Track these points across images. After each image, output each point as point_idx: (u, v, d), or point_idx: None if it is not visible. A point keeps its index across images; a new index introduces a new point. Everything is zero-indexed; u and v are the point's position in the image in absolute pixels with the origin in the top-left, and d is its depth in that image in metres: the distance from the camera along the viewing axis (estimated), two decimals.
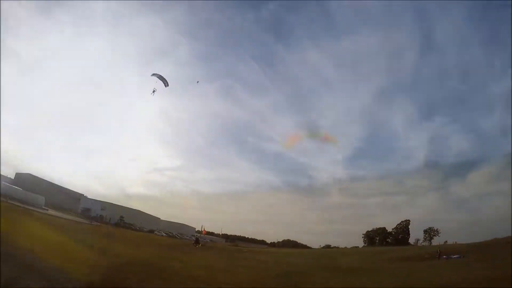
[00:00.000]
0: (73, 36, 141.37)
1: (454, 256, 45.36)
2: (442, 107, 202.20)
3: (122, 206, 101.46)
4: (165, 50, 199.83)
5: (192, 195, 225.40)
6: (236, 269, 20.77)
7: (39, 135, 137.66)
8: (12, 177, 71.54)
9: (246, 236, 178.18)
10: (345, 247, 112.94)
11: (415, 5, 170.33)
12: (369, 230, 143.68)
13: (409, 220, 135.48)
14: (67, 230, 25.14)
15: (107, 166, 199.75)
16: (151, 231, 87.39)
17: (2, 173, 58.16)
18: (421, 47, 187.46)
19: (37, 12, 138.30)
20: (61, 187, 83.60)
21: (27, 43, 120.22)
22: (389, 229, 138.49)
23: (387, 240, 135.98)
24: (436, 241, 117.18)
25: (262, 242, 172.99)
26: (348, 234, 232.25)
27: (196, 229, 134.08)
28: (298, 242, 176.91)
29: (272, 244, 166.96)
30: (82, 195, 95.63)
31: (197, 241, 48.42)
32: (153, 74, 26.61)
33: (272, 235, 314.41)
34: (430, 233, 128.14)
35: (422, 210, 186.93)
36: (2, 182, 44.60)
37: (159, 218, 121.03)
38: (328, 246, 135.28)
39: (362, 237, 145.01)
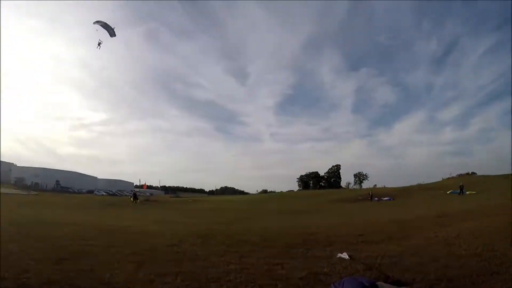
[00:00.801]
0: None
1: (385, 198, 49.84)
2: (370, 60, 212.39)
3: (56, 170, 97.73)
4: None
5: (124, 148, 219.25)
6: (190, 220, 21.33)
7: None
8: None
9: (185, 186, 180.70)
10: (281, 192, 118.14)
11: None
12: (303, 174, 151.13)
13: (339, 165, 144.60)
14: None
15: (29, 128, 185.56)
16: (90, 192, 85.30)
17: None
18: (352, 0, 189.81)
19: None
20: None
21: None
22: (322, 173, 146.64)
23: (321, 183, 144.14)
24: (365, 185, 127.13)
25: (201, 191, 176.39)
26: (282, 179, 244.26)
27: (135, 184, 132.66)
28: (236, 188, 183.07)
29: (211, 192, 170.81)
30: (12, 164, 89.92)
31: (135, 197, 47.80)
32: (96, 22, 22.22)
33: (209, 183, 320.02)
34: (360, 177, 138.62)
35: (351, 155, 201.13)
36: None
37: (96, 177, 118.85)
38: (265, 191, 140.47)
39: (297, 181, 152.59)
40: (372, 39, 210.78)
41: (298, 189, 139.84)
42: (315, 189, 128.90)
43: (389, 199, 48.82)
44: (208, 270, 7.16)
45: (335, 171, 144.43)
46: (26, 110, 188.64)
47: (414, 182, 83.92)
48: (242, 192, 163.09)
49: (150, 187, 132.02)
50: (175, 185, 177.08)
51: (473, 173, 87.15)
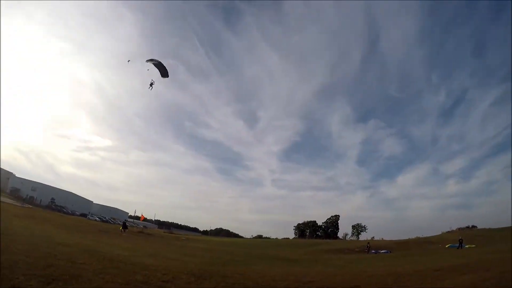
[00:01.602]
0: None
1: (382, 251, 49.19)
2: (378, 111, 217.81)
3: (53, 187, 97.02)
4: (107, 22, 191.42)
5: (124, 177, 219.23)
6: (184, 258, 21.09)
7: None
8: None
9: (179, 223, 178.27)
10: (276, 238, 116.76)
11: (366, 12, 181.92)
12: (300, 222, 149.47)
13: (338, 215, 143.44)
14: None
15: (34, 140, 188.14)
16: (84, 215, 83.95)
17: None
18: (366, 53, 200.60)
19: None
20: None
21: None
22: (319, 223, 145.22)
23: (317, 233, 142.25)
24: (363, 236, 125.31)
25: (196, 230, 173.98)
26: (278, 225, 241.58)
27: (129, 214, 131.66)
28: (230, 231, 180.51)
29: (205, 232, 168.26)
30: (11, 173, 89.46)
31: (124, 226, 47.36)
32: (149, 60, 21.44)
33: (204, 222, 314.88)
34: (358, 228, 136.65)
35: (351, 206, 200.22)
36: None
37: (92, 202, 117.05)
38: (259, 236, 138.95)
39: (294, 229, 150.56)
40: (382, 91, 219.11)
41: (294, 237, 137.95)
42: (311, 238, 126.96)
43: (387, 252, 48.04)
44: None
45: (333, 221, 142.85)
46: (34, 123, 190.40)
47: (413, 235, 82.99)
48: (236, 235, 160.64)
49: (145, 219, 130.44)
50: (170, 221, 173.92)
51: (473, 226, 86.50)
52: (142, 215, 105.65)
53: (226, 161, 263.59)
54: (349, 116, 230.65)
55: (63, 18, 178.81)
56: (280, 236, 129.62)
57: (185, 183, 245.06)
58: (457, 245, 45.77)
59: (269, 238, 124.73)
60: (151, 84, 23.12)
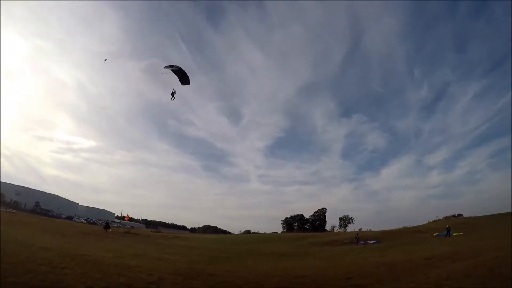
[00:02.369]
0: None
1: (371, 242, 49.65)
2: (362, 106, 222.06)
3: (37, 191, 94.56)
4: (89, 21, 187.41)
5: (109, 178, 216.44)
6: (170, 257, 20.78)
7: None
8: None
9: (167, 222, 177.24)
10: (265, 233, 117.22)
11: (349, 9, 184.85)
12: (288, 216, 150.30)
13: (325, 208, 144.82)
14: None
15: (16, 143, 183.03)
16: (70, 218, 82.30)
17: None
18: (349, 49, 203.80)
19: None
20: None
21: None
22: (307, 216, 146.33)
23: (305, 226, 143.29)
24: (350, 228, 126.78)
25: (183, 228, 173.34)
26: (266, 220, 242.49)
27: (116, 215, 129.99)
28: (219, 227, 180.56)
29: (193, 230, 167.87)
30: None
31: (107, 226, 46.87)
32: (167, 67, 19.43)
33: (192, 220, 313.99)
34: (345, 220, 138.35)
35: (337, 199, 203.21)
36: None
37: (77, 204, 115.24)
38: (248, 232, 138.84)
39: (281, 223, 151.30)
40: (365, 86, 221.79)
41: (282, 231, 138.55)
42: (299, 231, 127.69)
43: (376, 242, 48.53)
44: None
45: (320, 214, 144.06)
46: (14, 125, 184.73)
47: (399, 225, 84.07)
48: (224, 232, 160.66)
49: (131, 219, 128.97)
50: (157, 220, 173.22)
51: (459, 215, 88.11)
52: (127, 215, 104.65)
53: (211, 158, 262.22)
54: (333, 111, 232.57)
55: (44, 16, 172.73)
56: (268, 231, 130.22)
57: (171, 181, 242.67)
58: (445, 233, 46.62)
59: (257, 233, 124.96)
60: (173, 94, 21.60)
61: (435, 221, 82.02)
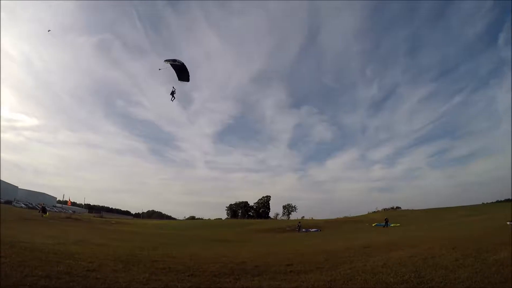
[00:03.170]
0: None
1: (313, 230, 51.08)
2: (312, 99, 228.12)
3: None
4: None
5: (52, 159, 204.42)
6: (112, 243, 19.93)
7: None
8: None
9: (111, 207, 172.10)
10: (209, 219, 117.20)
11: (310, 4, 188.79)
12: (233, 203, 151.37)
13: (269, 196, 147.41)
14: None
15: None
16: (9, 202, 76.94)
17: None
18: (305, 42, 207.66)
19: None
20: None
21: None
22: (251, 203, 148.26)
23: (249, 213, 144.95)
24: (293, 216, 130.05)
25: (127, 213, 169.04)
26: (211, 206, 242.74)
27: (57, 199, 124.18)
28: (163, 213, 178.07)
29: (138, 215, 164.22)
30: None
31: (43, 210, 44.70)
32: (168, 61, 17.63)
33: (137, 205, 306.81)
34: (288, 208, 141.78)
35: (282, 188, 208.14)
36: None
37: (17, 187, 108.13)
38: (192, 218, 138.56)
39: (226, 209, 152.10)
40: (318, 79, 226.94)
41: (226, 218, 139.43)
42: (243, 218, 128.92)
43: (317, 230, 50.06)
44: None
45: (264, 202, 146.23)
46: None
47: (341, 215, 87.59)
48: (169, 217, 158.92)
49: (74, 204, 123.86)
50: (101, 204, 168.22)
51: (397, 207, 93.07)
52: (69, 199, 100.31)
53: (159, 141, 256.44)
54: (284, 101, 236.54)
55: None
56: (212, 217, 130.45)
57: (117, 164, 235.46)
58: (383, 224, 49.09)
59: (202, 219, 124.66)
60: (173, 93, 19.26)
61: (375, 212, 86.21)
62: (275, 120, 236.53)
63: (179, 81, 18.26)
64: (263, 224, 69.37)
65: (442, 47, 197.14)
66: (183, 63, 17.50)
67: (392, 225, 48.81)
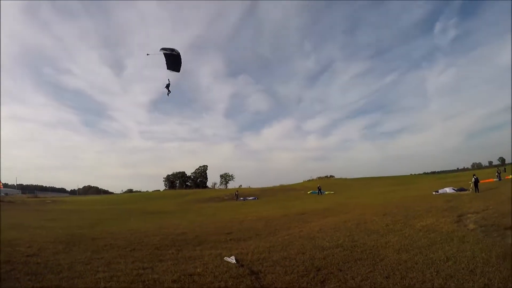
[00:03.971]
0: None
1: (250, 198, 52.01)
2: (249, 69, 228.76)
3: None
4: None
5: None
6: (50, 224, 18.77)
7: None
8: None
9: (45, 185, 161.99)
10: (147, 191, 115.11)
11: None
12: (170, 174, 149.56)
13: (206, 165, 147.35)
14: None
15: None
16: None
17: None
18: (245, 12, 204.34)
19: None
20: None
21: None
22: (188, 173, 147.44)
23: (187, 183, 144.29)
24: (231, 185, 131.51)
25: (63, 191, 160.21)
26: (149, 178, 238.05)
27: None
28: (100, 188, 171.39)
29: (73, 192, 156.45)
30: None
31: None
32: (164, 49, 15.83)
33: (71, 181, 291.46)
34: (226, 178, 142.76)
35: (219, 157, 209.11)
36: None
37: None
38: (130, 191, 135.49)
39: (163, 180, 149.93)
40: (255, 50, 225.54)
41: (164, 189, 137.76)
42: (181, 189, 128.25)
43: (254, 199, 51.11)
44: (74, 281, 6.30)
45: (202, 172, 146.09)
46: None
47: (277, 183, 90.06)
48: (106, 192, 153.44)
49: (5, 185, 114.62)
50: (34, 184, 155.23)
51: (331, 176, 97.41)
52: None
53: (91, 112, 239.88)
54: (220, 70, 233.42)
55: None
56: (150, 189, 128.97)
57: (48, 139, 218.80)
58: (317, 191, 51.18)
59: (139, 191, 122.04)
60: (168, 87, 17.41)
61: (309, 180, 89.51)
62: (211, 89, 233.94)
63: (168, 70, 16.59)
64: (201, 194, 69.47)
65: (379, 29, 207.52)
66: (179, 54, 16.01)
67: (326, 192, 51.09)
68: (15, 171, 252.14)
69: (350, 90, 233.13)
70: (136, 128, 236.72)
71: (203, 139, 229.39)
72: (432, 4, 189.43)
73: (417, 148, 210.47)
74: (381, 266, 6.95)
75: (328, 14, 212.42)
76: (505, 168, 60.30)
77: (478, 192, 24.19)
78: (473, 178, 25.62)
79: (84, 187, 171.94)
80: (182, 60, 16.06)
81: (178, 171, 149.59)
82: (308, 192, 55.53)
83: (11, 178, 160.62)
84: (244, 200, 50.11)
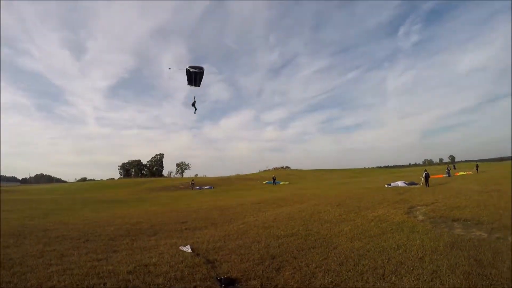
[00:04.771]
0: None
1: (206, 187, 51.88)
2: (212, 58, 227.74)
3: None
4: None
5: None
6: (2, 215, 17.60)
7: None
8: None
9: None
10: (102, 180, 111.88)
11: None
12: (125, 162, 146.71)
13: (163, 154, 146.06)
14: None
15: None
16: None
17: None
18: (213, 2, 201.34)
19: None
20: None
21: None
22: (144, 162, 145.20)
23: (142, 172, 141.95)
24: (187, 174, 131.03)
25: (13, 179, 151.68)
26: (103, 166, 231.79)
27: None
28: (53, 176, 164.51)
29: (25, 181, 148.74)
30: None
31: None
32: (192, 67, 15.41)
33: (23, 169, 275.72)
34: (182, 166, 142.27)
35: (176, 146, 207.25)
36: None
37: None
38: (84, 179, 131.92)
39: (118, 168, 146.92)
40: (220, 40, 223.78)
41: (119, 177, 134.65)
42: (136, 177, 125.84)
43: (210, 188, 51.02)
44: (26, 276, 5.93)
45: (158, 160, 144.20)
46: None
47: (234, 173, 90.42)
48: (59, 180, 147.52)
49: None
50: None
51: (287, 167, 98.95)
52: None
53: (46, 96, 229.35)
54: (183, 58, 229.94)
55: None
56: (105, 177, 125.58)
57: None
58: (272, 181, 51.83)
59: (93, 180, 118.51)
60: (194, 104, 16.70)
61: (266, 171, 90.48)
62: (172, 77, 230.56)
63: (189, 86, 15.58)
64: (157, 182, 68.32)
65: (346, 28, 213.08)
66: (203, 71, 15.17)
67: (281, 183, 51.92)
68: None
69: (312, 85, 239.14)
70: (93, 114, 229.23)
71: (162, 127, 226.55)
72: (399, 9, 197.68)
73: (372, 143, 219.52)
74: (334, 254, 7.06)
75: (297, 10, 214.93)
76: (454, 166, 64.65)
77: (428, 186, 25.31)
78: (424, 174, 26.88)
79: (36, 175, 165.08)
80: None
81: (134, 159, 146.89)
82: (264, 182, 56.20)
83: None
84: (200, 189, 49.89)
